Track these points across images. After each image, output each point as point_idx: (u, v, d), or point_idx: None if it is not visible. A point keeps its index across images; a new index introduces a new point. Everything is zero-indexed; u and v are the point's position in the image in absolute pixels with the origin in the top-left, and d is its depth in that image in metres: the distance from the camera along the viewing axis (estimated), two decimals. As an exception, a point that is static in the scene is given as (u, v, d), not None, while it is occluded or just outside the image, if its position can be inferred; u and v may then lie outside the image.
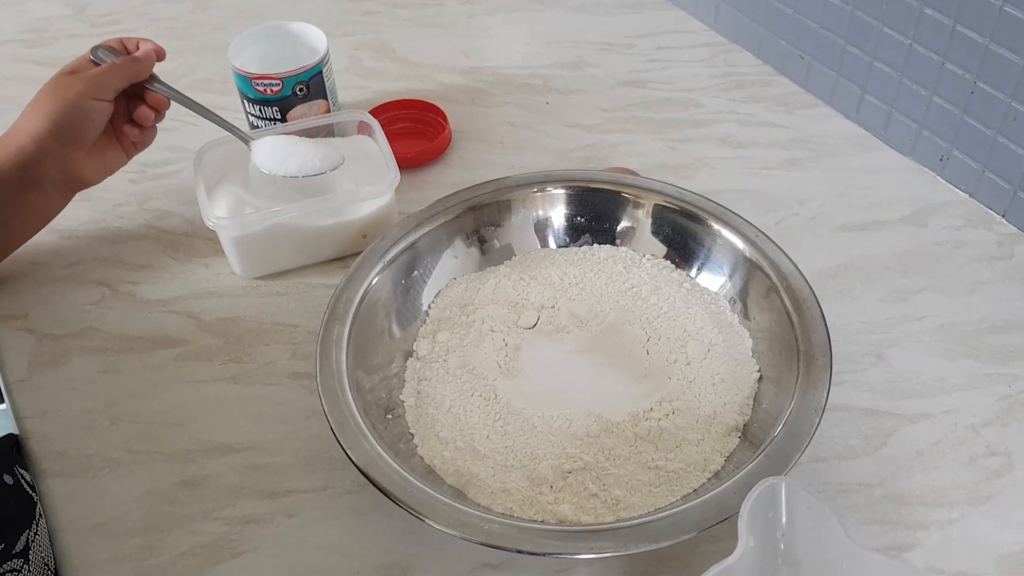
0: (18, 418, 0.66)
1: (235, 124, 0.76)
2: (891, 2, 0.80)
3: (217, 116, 0.75)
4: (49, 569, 0.58)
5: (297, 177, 0.74)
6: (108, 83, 0.70)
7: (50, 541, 0.59)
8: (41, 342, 0.71)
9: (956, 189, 0.83)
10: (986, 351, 0.69)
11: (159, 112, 0.74)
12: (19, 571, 0.56)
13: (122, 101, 0.73)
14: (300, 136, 0.76)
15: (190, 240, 0.79)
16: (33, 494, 0.60)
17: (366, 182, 0.76)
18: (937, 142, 0.83)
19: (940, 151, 0.83)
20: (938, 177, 0.84)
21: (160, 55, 0.74)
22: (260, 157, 0.75)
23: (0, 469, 0.60)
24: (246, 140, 0.75)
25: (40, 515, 0.59)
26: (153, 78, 0.74)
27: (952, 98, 0.79)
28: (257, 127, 0.86)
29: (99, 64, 0.72)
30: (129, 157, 0.76)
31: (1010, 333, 0.70)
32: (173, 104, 0.75)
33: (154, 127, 0.76)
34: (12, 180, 0.69)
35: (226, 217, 0.72)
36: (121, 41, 0.75)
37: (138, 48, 0.74)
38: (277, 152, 0.75)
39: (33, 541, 0.57)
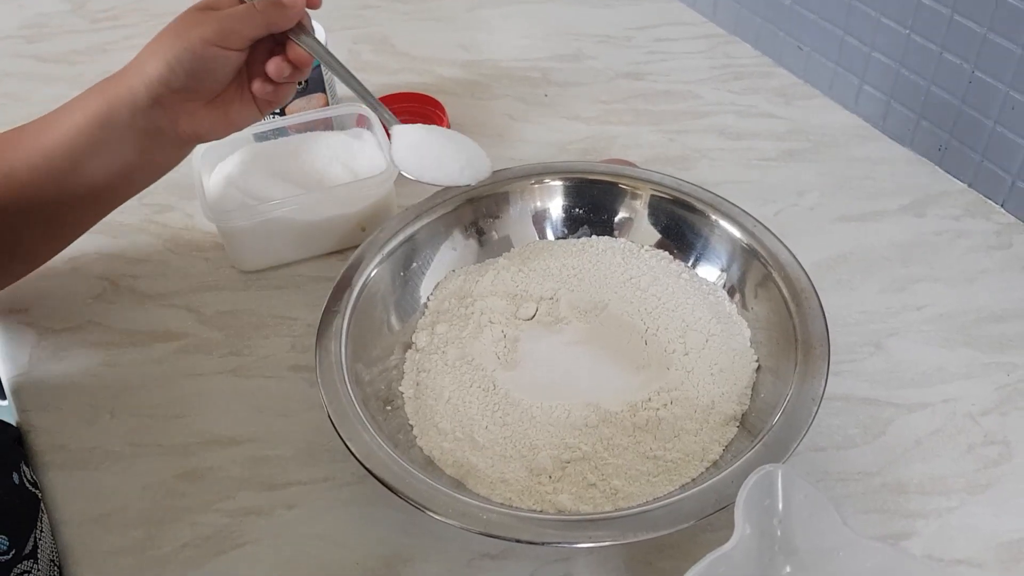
0: (19, 411, 0.66)
1: (374, 102, 0.66)
2: (889, -8, 0.80)
3: (363, 88, 0.64)
4: (55, 565, 0.58)
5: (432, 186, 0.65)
6: (240, 30, 0.59)
7: (52, 535, 0.59)
8: (42, 336, 0.71)
9: (955, 179, 0.83)
10: (985, 340, 0.69)
11: (299, 70, 0.63)
12: (29, 572, 0.55)
13: (264, 48, 0.62)
14: (445, 130, 0.68)
15: (190, 234, 0.80)
16: (36, 492, 0.60)
17: (364, 175, 0.76)
18: (936, 132, 0.83)
19: (939, 141, 0.83)
20: (937, 167, 0.84)
21: (313, 2, 0.62)
22: (398, 150, 0.65)
23: (9, 467, 0.59)
24: (388, 124, 0.66)
25: (43, 512, 0.59)
26: (300, 28, 0.61)
27: (951, 88, 0.79)
28: (256, 121, 0.86)
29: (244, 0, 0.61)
30: (263, 114, 0.65)
31: (1009, 322, 0.70)
32: None
33: (292, 85, 0.64)
34: (121, 123, 0.60)
35: (225, 211, 0.73)
36: None
37: None
38: (413, 149, 0.65)
39: (40, 539, 0.57)
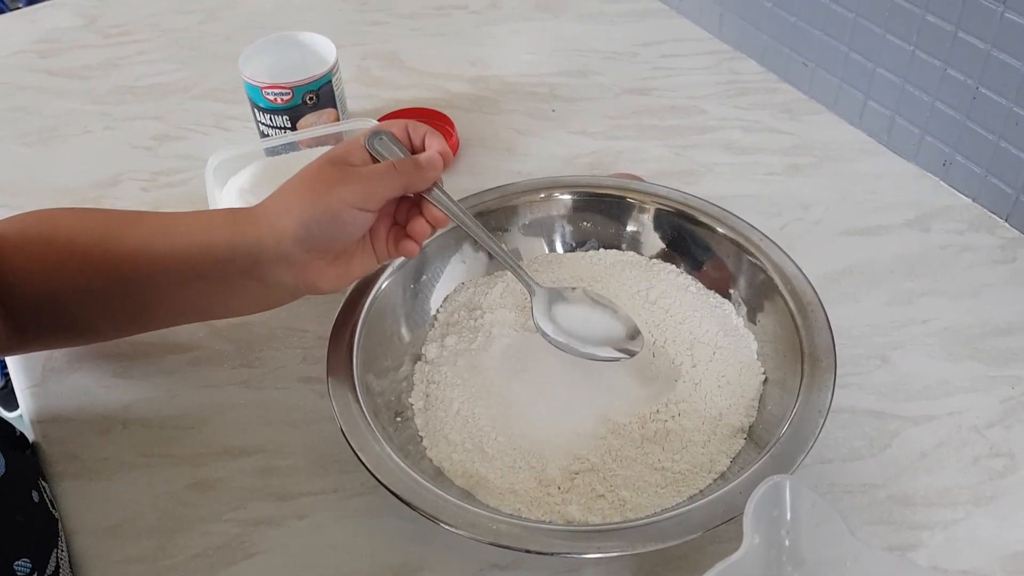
0: (33, 423, 0.67)
1: (515, 265, 0.66)
2: (893, 9, 0.81)
3: (504, 251, 0.65)
4: None
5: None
6: (379, 192, 0.58)
7: (67, 548, 0.59)
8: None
9: (959, 193, 0.83)
10: (990, 353, 0.69)
11: (435, 228, 0.62)
12: None
13: (390, 202, 0.61)
14: (590, 294, 0.67)
15: (201, 247, 0.80)
16: (54, 512, 0.60)
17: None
18: (940, 147, 0.83)
19: (943, 156, 0.83)
20: (941, 182, 0.85)
21: (447, 160, 0.61)
22: (541, 318, 0.65)
23: (28, 485, 0.59)
24: (530, 288, 0.66)
25: (61, 530, 0.59)
26: (434, 185, 0.61)
27: (955, 103, 0.80)
28: (267, 135, 0.87)
29: (374, 156, 0.60)
30: (380, 263, 0.63)
31: (1014, 335, 0.70)
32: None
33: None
34: (237, 268, 0.58)
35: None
36: (406, 130, 0.62)
37: (423, 144, 0.62)
38: (555, 315, 0.65)
39: (61, 559, 0.57)
